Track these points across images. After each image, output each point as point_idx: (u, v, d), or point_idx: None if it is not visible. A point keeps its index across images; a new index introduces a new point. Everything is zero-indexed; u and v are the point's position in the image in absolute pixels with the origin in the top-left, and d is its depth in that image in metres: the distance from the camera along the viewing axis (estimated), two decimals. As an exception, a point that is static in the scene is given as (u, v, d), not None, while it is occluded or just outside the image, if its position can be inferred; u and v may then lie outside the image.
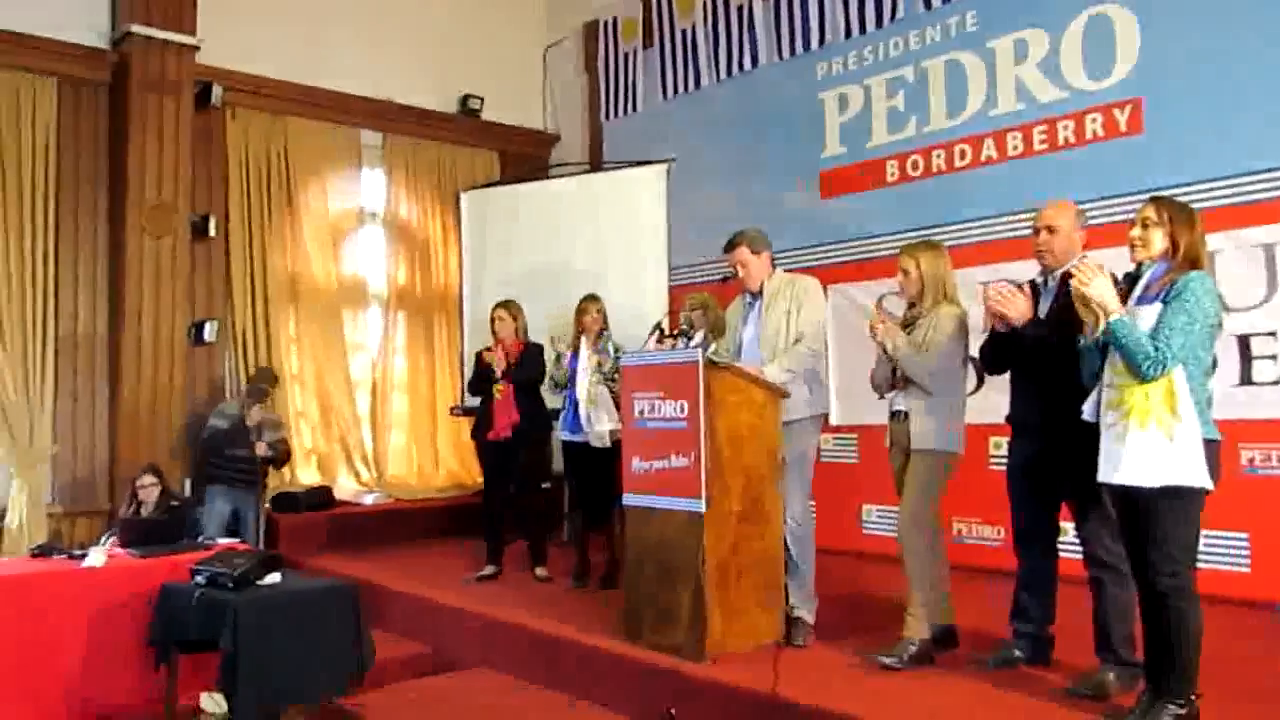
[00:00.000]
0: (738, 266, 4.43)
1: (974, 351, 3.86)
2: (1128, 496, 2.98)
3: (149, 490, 5.78)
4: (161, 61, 6.79)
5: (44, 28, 6.53)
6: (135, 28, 6.67)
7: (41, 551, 5.16)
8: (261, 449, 6.39)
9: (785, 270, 4.59)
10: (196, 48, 6.96)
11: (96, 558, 4.89)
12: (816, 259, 6.56)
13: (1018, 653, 3.68)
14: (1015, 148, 5.76)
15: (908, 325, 3.91)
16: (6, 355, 6.28)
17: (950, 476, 3.87)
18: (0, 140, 6.38)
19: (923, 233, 5.40)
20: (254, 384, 6.78)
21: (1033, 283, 3.68)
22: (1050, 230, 3.57)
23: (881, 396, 4.03)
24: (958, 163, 6.02)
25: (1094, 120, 5.42)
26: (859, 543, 6.19)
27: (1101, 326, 2.96)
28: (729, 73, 7.46)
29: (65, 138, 6.69)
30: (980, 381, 3.97)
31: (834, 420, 6.23)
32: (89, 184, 6.79)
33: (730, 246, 4.45)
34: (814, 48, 6.85)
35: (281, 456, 6.70)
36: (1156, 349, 2.86)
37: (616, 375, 5.37)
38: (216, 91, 7.13)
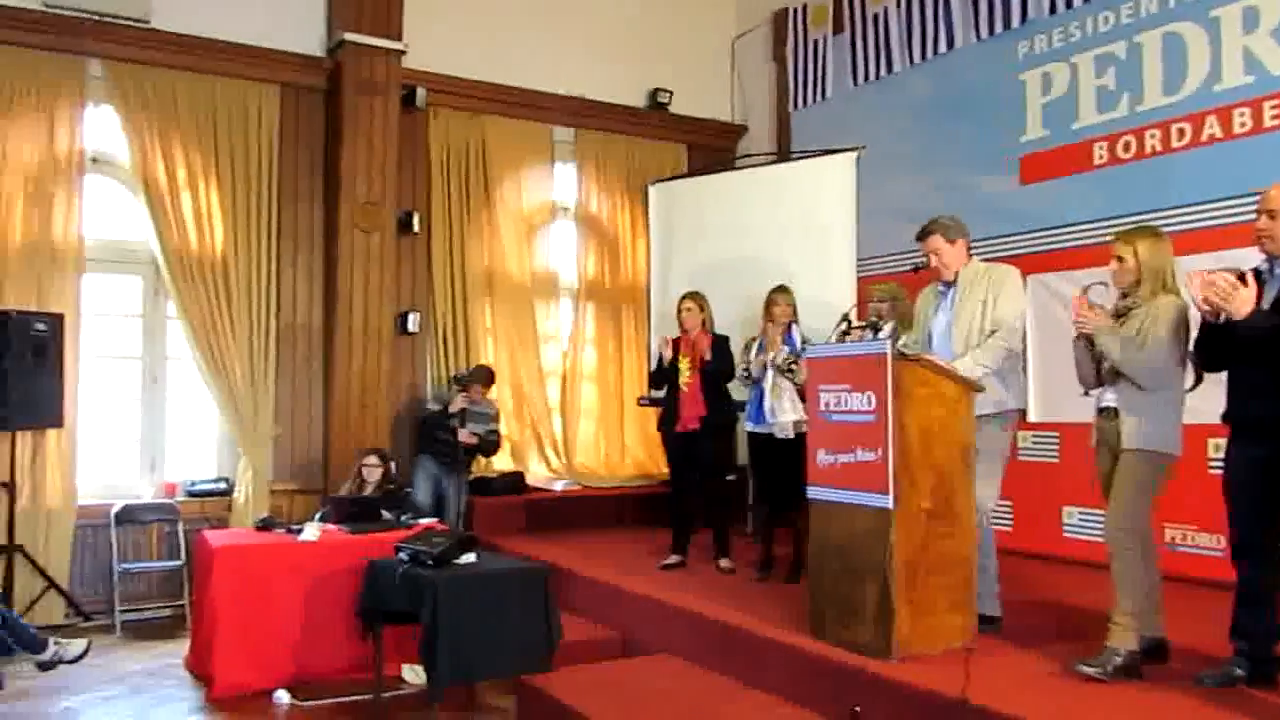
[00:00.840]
0: (931, 255, 4.30)
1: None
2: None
3: (372, 470, 6.23)
4: (371, 67, 7.19)
5: (269, 40, 7.06)
6: (349, 36, 7.09)
7: (264, 525, 5.65)
8: (465, 435, 6.75)
9: (981, 259, 4.42)
10: (403, 52, 7.33)
11: (311, 532, 5.29)
12: (1014, 247, 6.26)
13: (1239, 671, 3.39)
14: (1243, 125, 5.31)
15: (1119, 316, 3.68)
16: (235, 343, 6.82)
17: (1166, 479, 3.62)
18: (230, 143, 6.92)
19: (1132, 219, 5.07)
20: (462, 375, 7.15)
21: (1256, 271, 3.38)
22: (1271, 215, 3.27)
23: (1087, 392, 3.82)
24: (1175, 143, 5.60)
25: (1337, 93, 4.94)
26: (1059, 546, 5.88)
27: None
28: (923, 56, 7.21)
29: (286, 140, 7.19)
30: (1199, 378, 3.68)
31: (1032, 417, 5.95)
32: (306, 183, 7.28)
33: (923, 234, 4.33)
34: (1015, 25, 6.53)
35: (488, 447, 7.05)
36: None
37: (794, 367, 5.32)
38: (421, 94, 7.48)
